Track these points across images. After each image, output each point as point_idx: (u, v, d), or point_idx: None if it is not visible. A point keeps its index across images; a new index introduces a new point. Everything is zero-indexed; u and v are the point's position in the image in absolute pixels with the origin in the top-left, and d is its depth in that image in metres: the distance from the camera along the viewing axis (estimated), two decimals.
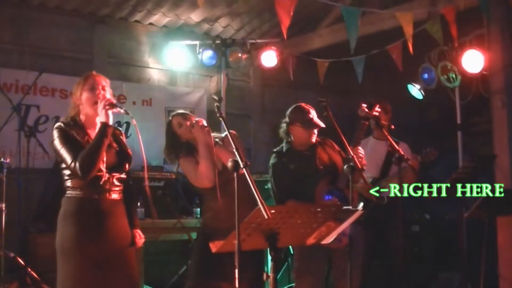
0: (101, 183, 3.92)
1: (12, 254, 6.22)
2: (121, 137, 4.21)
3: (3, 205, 6.12)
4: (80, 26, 8.19)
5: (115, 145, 4.08)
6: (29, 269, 6.03)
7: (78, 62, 8.11)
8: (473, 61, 6.61)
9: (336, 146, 5.11)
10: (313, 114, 4.96)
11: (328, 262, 4.94)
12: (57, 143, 3.91)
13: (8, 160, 6.22)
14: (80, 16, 8.12)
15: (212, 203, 4.57)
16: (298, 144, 5.01)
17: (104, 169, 3.92)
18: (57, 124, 4.00)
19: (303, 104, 5.04)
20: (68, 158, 3.84)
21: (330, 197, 4.76)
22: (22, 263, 6.00)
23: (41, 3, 7.70)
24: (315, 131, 4.94)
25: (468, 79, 7.13)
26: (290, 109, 5.07)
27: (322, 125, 4.87)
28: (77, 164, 3.79)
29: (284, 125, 5.05)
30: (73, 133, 3.91)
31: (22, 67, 7.57)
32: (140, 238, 4.17)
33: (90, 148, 3.83)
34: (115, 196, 4.01)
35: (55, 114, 7.71)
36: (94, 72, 4.15)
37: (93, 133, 3.98)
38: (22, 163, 5.94)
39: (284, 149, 5.07)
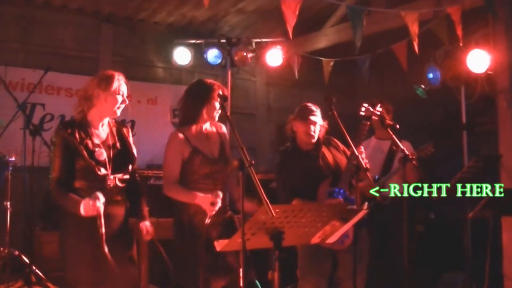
0: (105, 185, 3.92)
1: (17, 252, 6.24)
2: (127, 135, 4.18)
3: (8, 203, 6.14)
4: (86, 24, 8.21)
5: (118, 145, 4.07)
6: (34, 267, 6.04)
7: (83, 61, 8.14)
8: (478, 60, 6.59)
9: (340, 146, 5.12)
10: (317, 113, 4.96)
11: (333, 262, 4.93)
12: (52, 149, 3.94)
13: (13, 158, 6.24)
14: (85, 15, 8.14)
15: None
16: (302, 142, 5.01)
17: (108, 171, 3.93)
18: (59, 126, 3.99)
19: (309, 104, 5.05)
20: (52, 172, 3.87)
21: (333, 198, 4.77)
22: (27, 261, 6.02)
23: (47, 1, 7.73)
24: (312, 127, 4.93)
25: (473, 79, 7.11)
26: (297, 109, 5.09)
27: (317, 120, 4.88)
28: (52, 190, 3.87)
29: (288, 124, 5.08)
30: (72, 140, 3.87)
31: (28, 66, 7.59)
32: (146, 232, 4.12)
33: (63, 202, 3.85)
34: (118, 197, 4.02)
35: (61, 112, 7.74)
36: (118, 75, 4.05)
37: (96, 132, 3.99)
38: (27, 161, 5.95)
39: (290, 148, 5.08)
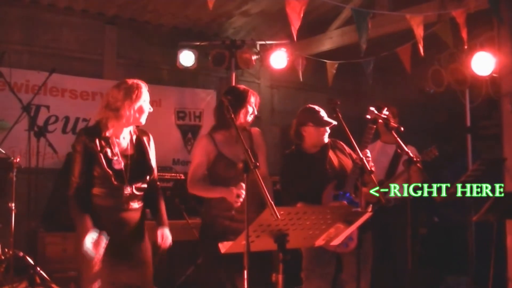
0: (121, 193, 3.97)
1: (21, 253, 6.25)
2: (147, 144, 4.22)
3: (13, 204, 6.14)
4: (90, 26, 8.22)
5: (136, 155, 4.10)
6: (38, 268, 6.05)
7: (88, 63, 8.16)
8: (483, 63, 6.57)
9: (346, 148, 5.11)
10: (323, 113, 4.96)
11: (337, 265, 4.93)
12: (73, 153, 3.99)
13: (18, 160, 6.25)
14: (90, 17, 8.15)
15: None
16: (310, 145, 5.01)
17: (125, 181, 3.96)
18: (81, 131, 4.04)
19: (312, 105, 5.05)
20: (72, 177, 3.94)
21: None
22: (31, 262, 6.02)
23: (51, 3, 7.73)
24: (327, 129, 4.94)
25: (477, 82, 7.10)
26: (300, 111, 5.08)
27: (334, 122, 4.86)
28: (70, 198, 3.93)
29: (295, 128, 5.05)
30: (92, 146, 3.92)
31: (32, 68, 7.62)
32: (163, 239, 4.16)
33: (75, 218, 3.91)
34: (134, 205, 4.06)
35: (65, 114, 7.77)
36: (142, 84, 4.13)
37: (117, 141, 4.02)
38: (32, 163, 5.96)
39: (295, 152, 5.07)
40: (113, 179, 3.92)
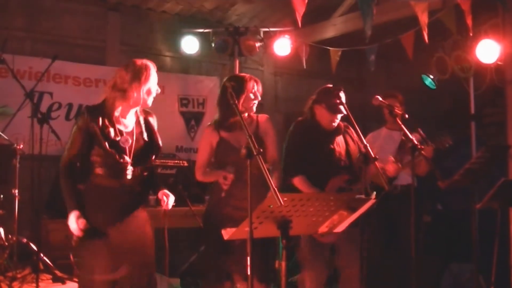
0: (124, 173, 3.92)
1: (24, 240, 6.27)
2: (153, 124, 4.18)
3: (16, 191, 6.17)
4: (93, 13, 8.21)
5: (145, 136, 4.06)
6: (42, 255, 6.07)
7: (91, 50, 8.16)
8: (487, 51, 6.54)
9: (355, 136, 5.07)
10: (342, 99, 4.91)
11: (332, 251, 4.93)
12: (74, 128, 3.94)
13: (21, 147, 6.26)
14: (92, 3, 8.15)
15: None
16: (322, 122, 4.97)
17: (129, 160, 3.92)
18: (85, 109, 3.96)
19: (334, 87, 4.99)
20: (68, 150, 3.92)
21: None
22: (35, 248, 6.04)
23: None
24: (338, 116, 4.92)
25: (482, 69, 7.07)
26: (320, 89, 5.04)
27: (344, 112, 4.83)
28: (61, 171, 3.91)
29: (310, 102, 5.03)
30: (93, 126, 3.85)
31: (35, 54, 7.61)
32: (167, 199, 4.06)
33: (64, 192, 3.89)
34: (136, 185, 4.00)
35: (68, 101, 7.77)
36: (151, 64, 4.04)
37: (122, 120, 3.97)
38: (35, 149, 5.96)
39: (308, 121, 5.02)
40: (118, 157, 3.87)
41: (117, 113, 3.96)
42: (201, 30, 8.32)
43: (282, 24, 8.24)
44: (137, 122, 4.08)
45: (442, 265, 6.98)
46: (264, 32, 8.43)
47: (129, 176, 3.94)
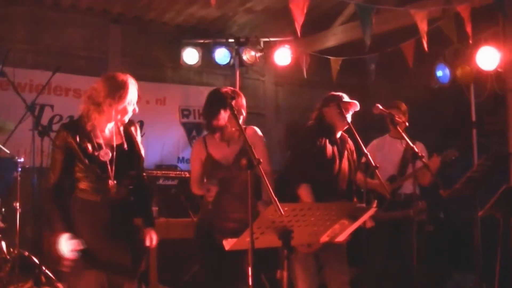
0: (108, 187, 3.84)
1: (26, 253, 6.26)
2: (134, 133, 4.06)
3: (18, 204, 6.15)
4: (94, 25, 8.23)
5: (125, 146, 3.97)
6: (44, 268, 6.05)
7: (92, 61, 8.16)
8: (488, 58, 6.56)
9: (352, 147, 5.07)
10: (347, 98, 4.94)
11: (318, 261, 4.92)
12: (52, 149, 3.89)
13: (22, 159, 6.26)
14: (94, 15, 8.16)
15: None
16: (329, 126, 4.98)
17: (111, 173, 3.84)
18: (61, 127, 3.89)
19: (355, 104, 4.95)
20: (51, 174, 3.83)
21: None
22: (37, 261, 6.03)
23: (55, 2, 7.74)
24: (349, 115, 4.89)
25: (482, 77, 7.08)
26: (324, 96, 5.06)
27: (349, 118, 4.85)
28: (47, 193, 3.83)
29: (317, 107, 5.03)
30: (71, 142, 3.78)
31: (36, 67, 7.62)
32: (151, 240, 4.01)
33: (51, 214, 3.81)
34: (123, 199, 3.91)
35: (69, 113, 7.76)
36: (130, 83, 3.91)
37: (100, 133, 3.88)
38: (36, 162, 5.95)
39: (317, 126, 4.99)
40: (98, 171, 3.80)
41: (93, 127, 3.85)
42: (202, 41, 8.33)
43: (283, 34, 8.26)
44: (117, 133, 3.97)
45: (444, 274, 6.97)
46: (265, 42, 8.44)
47: (113, 189, 3.86)
